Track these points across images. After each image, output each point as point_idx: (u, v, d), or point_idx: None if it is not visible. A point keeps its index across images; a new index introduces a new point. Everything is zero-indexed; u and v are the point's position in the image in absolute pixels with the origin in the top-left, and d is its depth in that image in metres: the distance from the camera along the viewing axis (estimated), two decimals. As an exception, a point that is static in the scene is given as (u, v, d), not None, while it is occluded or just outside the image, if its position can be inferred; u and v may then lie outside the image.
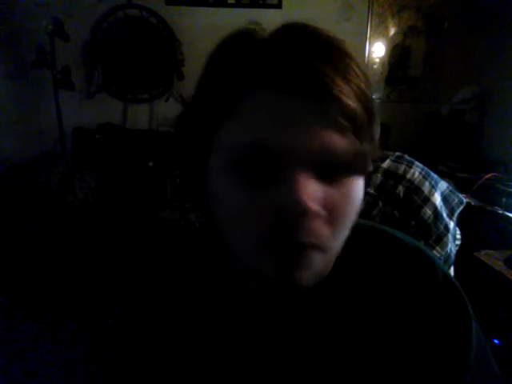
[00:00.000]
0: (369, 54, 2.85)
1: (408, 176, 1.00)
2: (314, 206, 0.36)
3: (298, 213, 0.35)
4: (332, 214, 0.38)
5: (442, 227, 0.99)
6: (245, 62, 0.38)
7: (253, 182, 0.38)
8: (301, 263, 0.38)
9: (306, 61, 0.36)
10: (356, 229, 0.51)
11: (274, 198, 0.36)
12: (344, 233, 0.40)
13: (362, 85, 0.38)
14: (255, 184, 0.38)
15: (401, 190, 0.99)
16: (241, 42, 0.39)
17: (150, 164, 2.62)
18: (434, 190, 1.00)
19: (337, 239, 0.40)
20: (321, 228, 0.38)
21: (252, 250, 0.39)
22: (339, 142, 0.36)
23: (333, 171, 0.38)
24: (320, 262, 0.39)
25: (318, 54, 0.37)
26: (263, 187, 0.37)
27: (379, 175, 1.01)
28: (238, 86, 0.38)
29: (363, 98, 0.38)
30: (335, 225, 0.38)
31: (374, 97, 0.41)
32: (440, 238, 0.99)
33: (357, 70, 0.38)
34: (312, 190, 0.36)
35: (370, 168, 0.41)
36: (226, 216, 0.41)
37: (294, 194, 0.35)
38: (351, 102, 0.36)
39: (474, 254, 1.69)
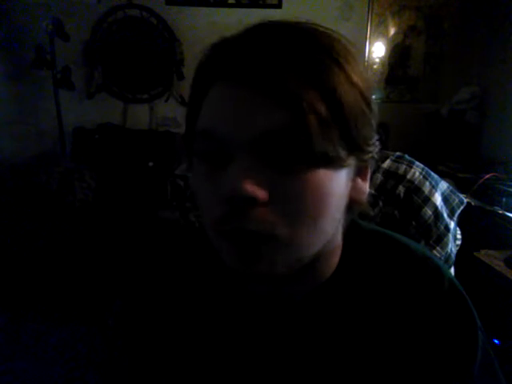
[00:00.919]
0: (369, 54, 2.85)
1: (408, 176, 1.00)
2: (254, 190, 0.35)
3: (238, 198, 0.35)
4: (282, 202, 0.37)
5: (442, 227, 0.99)
6: (210, 58, 0.41)
7: (211, 170, 0.39)
8: (256, 253, 0.38)
9: (256, 55, 0.37)
10: (361, 233, 0.50)
11: (223, 185, 0.37)
12: (309, 228, 0.38)
13: (329, 75, 0.37)
14: (213, 172, 0.39)
15: (401, 190, 0.99)
16: (217, 41, 0.42)
17: (150, 164, 2.62)
18: (434, 190, 1.00)
19: (296, 232, 0.38)
20: (268, 215, 0.37)
21: (216, 241, 0.40)
22: (277, 127, 0.36)
23: (280, 158, 0.37)
24: (279, 253, 0.38)
25: (273, 48, 0.37)
26: (218, 175, 0.38)
27: (379, 175, 1.01)
28: (205, 81, 0.40)
29: (322, 87, 0.36)
30: (287, 215, 0.37)
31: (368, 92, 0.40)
32: (440, 238, 0.99)
33: (325, 61, 0.37)
34: (252, 175, 0.36)
35: (342, 161, 0.38)
36: (198, 201, 0.42)
37: (234, 181, 0.35)
38: (295, 89, 0.35)
39: (474, 254, 1.69)
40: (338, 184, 0.40)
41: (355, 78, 0.38)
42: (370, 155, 0.42)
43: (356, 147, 0.39)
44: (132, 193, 2.50)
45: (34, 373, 1.72)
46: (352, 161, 0.40)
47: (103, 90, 2.76)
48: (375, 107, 0.41)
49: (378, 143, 0.43)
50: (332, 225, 0.41)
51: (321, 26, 0.40)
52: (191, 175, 0.43)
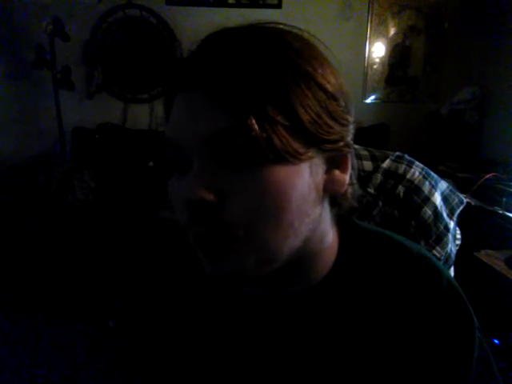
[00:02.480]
0: (369, 54, 2.85)
1: (408, 176, 1.00)
2: (203, 194, 0.36)
3: (194, 204, 0.36)
4: (237, 201, 0.37)
5: (442, 227, 0.99)
6: (173, 71, 0.43)
7: (177, 179, 0.41)
8: (220, 255, 0.39)
9: (205, 61, 0.38)
10: (358, 232, 0.50)
11: (181, 191, 0.38)
12: (271, 223, 0.38)
13: (280, 74, 0.37)
14: (177, 180, 0.40)
15: (401, 189, 0.99)
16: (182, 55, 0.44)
17: (150, 164, 2.62)
18: (434, 190, 1.00)
19: (257, 229, 0.38)
20: (225, 217, 0.37)
21: (191, 246, 0.41)
22: (222, 127, 0.36)
23: (231, 158, 0.37)
24: (243, 253, 0.38)
25: (222, 53, 0.38)
26: (181, 183, 0.39)
27: (379, 175, 1.01)
28: (169, 93, 0.43)
29: (268, 82, 0.36)
30: (246, 213, 0.37)
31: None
32: (440, 238, 0.98)
33: (273, 57, 0.37)
34: (204, 179, 0.37)
35: (298, 155, 0.38)
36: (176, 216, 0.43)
37: (188, 186, 0.37)
38: (237, 89, 0.36)
39: (474, 254, 1.69)
40: (300, 177, 0.39)
41: (309, 69, 0.38)
42: (341, 145, 0.41)
43: (314, 139, 0.38)
44: (132, 193, 2.50)
45: (34, 373, 1.72)
46: (314, 153, 0.39)
47: (103, 90, 2.76)
48: (347, 95, 0.41)
49: (351, 129, 0.42)
50: (303, 220, 0.40)
51: (274, 27, 0.41)
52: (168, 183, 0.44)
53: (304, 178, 0.39)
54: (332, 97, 0.39)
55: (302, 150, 0.38)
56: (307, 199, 0.40)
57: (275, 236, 0.39)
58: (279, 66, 0.37)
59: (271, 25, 0.41)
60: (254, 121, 0.35)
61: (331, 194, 0.43)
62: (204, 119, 0.37)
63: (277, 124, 0.36)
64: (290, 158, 0.37)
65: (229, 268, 0.39)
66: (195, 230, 0.38)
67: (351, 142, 0.43)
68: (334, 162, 0.42)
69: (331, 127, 0.39)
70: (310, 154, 0.39)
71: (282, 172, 0.37)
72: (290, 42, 0.39)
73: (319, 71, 0.39)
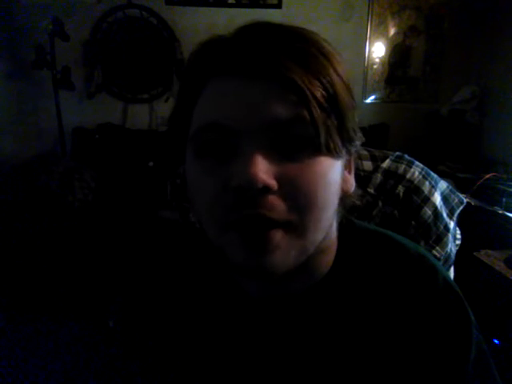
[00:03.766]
0: (369, 54, 2.85)
1: (408, 176, 1.00)
2: (266, 179, 0.36)
3: (250, 187, 0.36)
4: (292, 189, 0.38)
5: (441, 227, 0.99)
6: (202, 56, 0.42)
7: (215, 164, 0.39)
8: (267, 243, 0.37)
9: (251, 47, 0.38)
10: (356, 231, 0.50)
11: (231, 176, 0.37)
12: (316, 214, 0.39)
13: (321, 66, 0.38)
14: (217, 165, 0.39)
15: (401, 189, 0.99)
16: (206, 39, 0.43)
17: (150, 164, 2.62)
18: (433, 190, 1.00)
19: (305, 219, 0.38)
20: (279, 203, 0.37)
21: (221, 234, 0.40)
22: (286, 115, 0.37)
23: (288, 147, 0.38)
24: (288, 244, 0.38)
25: (265, 41, 0.38)
26: (224, 167, 0.38)
27: (379, 175, 1.01)
28: (198, 79, 0.41)
29: (319, 78, 0.38)
30: (297, 201, 0.38)
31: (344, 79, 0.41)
32: (440, 238, 0.98)
33: (315, 53, 0.39)
34: (263, 164, 0.36)
35: (340, 151, 0.40)
36: (198, 202, 0.42)
37: (244, 169, 0.36)
38: (299, 79, 0.37)
39: (474, 254, 1.69)
40: (337, 173, 0.41)
41: (341, 71, 0.40)
42: (356, 148, 0.44)
43: (348, 138, 0.41)
44: (132, 193, 2.49)
45: (34, 373, 1.72)
46: (344, 152, 0.42)
47: (103, 90, 2.76)
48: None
49: (361, 136, 0.44)
50: (333, 213, 0.43)
51: (307, 30, 0.42)
52: (188, 175, 0.43)
53: (339, 174, 0.42)
54: (353, 99, 0.42)
55: (341, 147, 0.40)
56: (336, 194, 0.42)
57: (317, 227, 0.40)
58: (329, 67, 0.39)
59: (290, 25, 0.42)
60: (319, 114, 0.37)
61: (343, 193, 0.45)
62: (266, 104, 0.37)
63: (330, 117, 0.38)
64: (335, 153, 0.39)
65: (274, 257, 0.38)
66: (244, 213, 0.37)
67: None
68: (345, 164, 0.44)
69: (357, 130, 0.43)
70: (343, 152, 0.41)
71: (328, 165, 0.40)
72: (318, 41, 0.40)
73: (346, 76, 0.41)
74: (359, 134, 0.43)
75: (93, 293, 2.05)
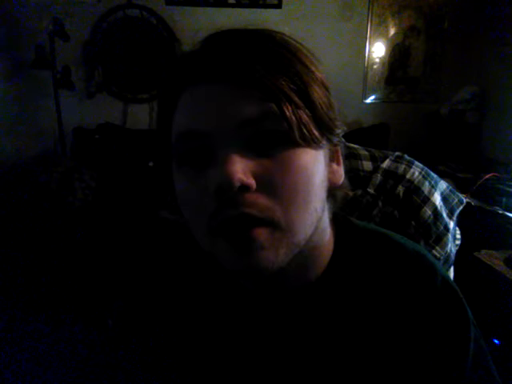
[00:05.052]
0: (369, 54, 2.85)
1: (408, 176, 1.00)
2: (243, 177, 0.36)
3: (228, 187, 0.36)
4: (272, 185, 0.38)
5: (441, 227, 0.99)
6: (175, 70, 0.43)
7: (196, 171, 0.40)
8: (252, 242, 0.37)
9: (215, 54, 0.40)
10: (353, 230, 0.51)
11: (209, 181, 0.38)
12: (300, 208, 0.39)
13: (287, 61, 0.39)
14: (197, 172, 0.40)
15: (400, 189, 0.99)
16: (179, 56, 0.45)
17: (150, 164, 2.62)
18: (433, 190, 1.00)
19: (289, 213, 0.38)
20: (261, 200, 0.37)
21: (208, 239, 0.40)
22: (255, 113, 0.37)
23: (263, 143, 0.38)
24: (275, 241, 0.38)
25: (229, 46, 0.40)
26: (203, 174, 0.39)
27: (379, 175, 1.01)
28: (174, 89, 0.42)
29: (285, 72, 0.39)
30: (278, 196, 0.38)
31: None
32: (440, 238, 0.98)
33: (279, 50, 0.40)
34: (239, 163, 0.37)
35: (318, 141, 0.41)
36: (184, 209, 0.42)
37: (220, 171, 0.36)
38: (263, 76, 0.37)
39: (474, 254, 1.69)
40: (319, 165, 0.42)
41: (312, 67, 0.41)
42: (338, 138, 0.44)
43: (326, 128, 0.41)
44: (132, 193, 2.50)
45: (34, 373, 1.72)
46: (325, 142, 0.42)
47: (103, 90, 2.76)
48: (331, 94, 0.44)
49: (342, 125, 0.45)
50: (320, 205, 0.42)
51: (272, 30, 0.43)
52: (175, 185, 0.43)
53: (321, 165, 0.42)
54: (328, 91, 0.43)
55: (320, 137, 0.41)
56: (322, 186, 0.43)
57: (303, 220, 0.40)
58: (295, 62, 0.40)
59: (261, 28, 0.43)
60: (288, 107, 0.37)
61: (331, 185, 0.45)
62: (237, 106, 0.38)
63: (302, 110, 0.39)
64: (313, 143, 0.40)
65: (259, 258, 0.38)
66: (227, 214, 0.37)
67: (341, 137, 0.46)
68: (330, 155, 0.45)
69: (335, 119, 0.43)
70: (324, 142, 0.42)
71: (308, 157, 0.40)
72: (287, 41, 0.42)
73: (318, 68, 0.42)
74: (339, 123, 0.43)
75: (93, 293, 2.05)
